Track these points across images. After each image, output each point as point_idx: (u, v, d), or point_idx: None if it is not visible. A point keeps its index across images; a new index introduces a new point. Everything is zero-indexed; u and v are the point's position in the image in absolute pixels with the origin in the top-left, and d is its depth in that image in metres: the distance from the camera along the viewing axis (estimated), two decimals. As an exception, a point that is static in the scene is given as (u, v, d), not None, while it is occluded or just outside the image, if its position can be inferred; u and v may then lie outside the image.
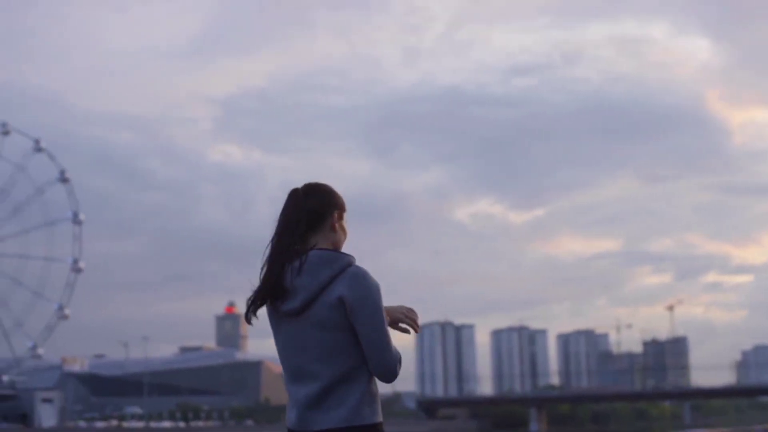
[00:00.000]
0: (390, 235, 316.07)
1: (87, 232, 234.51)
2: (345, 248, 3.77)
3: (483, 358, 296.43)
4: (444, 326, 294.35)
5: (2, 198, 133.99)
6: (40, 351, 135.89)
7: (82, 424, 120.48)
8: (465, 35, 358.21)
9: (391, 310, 3.76)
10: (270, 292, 3.60)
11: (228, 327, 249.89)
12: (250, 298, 3.67)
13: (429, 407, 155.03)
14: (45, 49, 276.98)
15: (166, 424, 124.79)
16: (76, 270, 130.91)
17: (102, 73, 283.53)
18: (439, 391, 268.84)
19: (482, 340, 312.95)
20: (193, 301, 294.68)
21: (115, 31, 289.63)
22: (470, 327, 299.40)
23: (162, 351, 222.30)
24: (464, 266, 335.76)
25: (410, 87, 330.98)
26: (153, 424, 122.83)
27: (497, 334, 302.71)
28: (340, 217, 3.74)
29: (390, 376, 3.51)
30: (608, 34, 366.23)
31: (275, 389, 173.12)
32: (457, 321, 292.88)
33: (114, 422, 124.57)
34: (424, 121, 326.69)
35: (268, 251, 3.67)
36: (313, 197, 3.71)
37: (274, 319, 3.64)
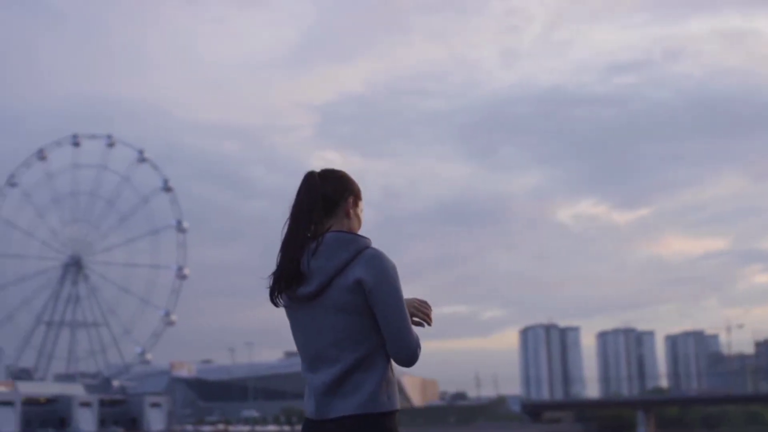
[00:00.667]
0: (491, 237, 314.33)
1: (193, 240, 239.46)
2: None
3: (589, 361, 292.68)
4: (548, 329, 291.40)
5: (109, 208, 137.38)
6: (149, 356, 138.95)
7: (189, 428, 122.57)
8: (563, 34, 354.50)
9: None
10: (286, 277, 3.50)
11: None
12: (269, 285, 3.57)
13: (534, 410, 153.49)
14: (148, 63, 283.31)
15: (271, 428, 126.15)
16: (181, 277, 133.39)
17: (204, 84, 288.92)
18: (545, 394, 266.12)
19: (588, 343, 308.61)
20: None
21: (217, 43, 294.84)
22: (575, 329, 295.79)
23: (267, 356, 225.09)
24: (568, 268, 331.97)
25: (509, 88, 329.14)
26: (258, 428, 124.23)
27: (603, 336, 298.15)
28: (356, 204, 3.66)
29: (410, 359, 3.42)
30: (711, 28, 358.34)
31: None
32: (562, 323, 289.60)
33: (221, 426, 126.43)
34: (523, 122, 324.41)
35: (283, 235, 3.57)
36: (329, 182, 3.62)
37: (290, 304, 3.54)
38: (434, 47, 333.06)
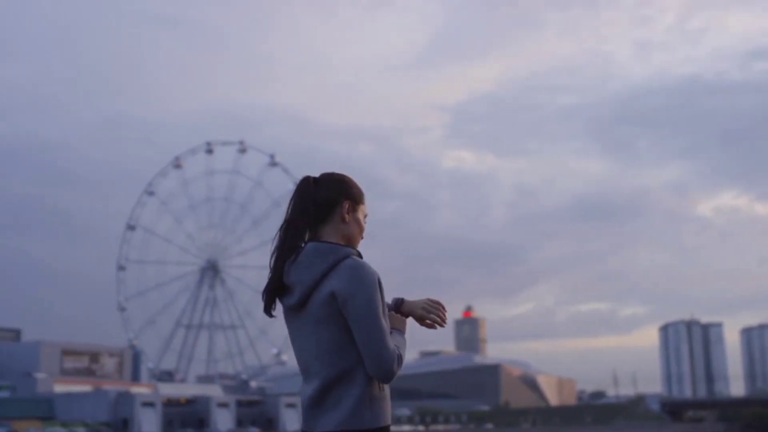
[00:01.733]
0: (629, 233, 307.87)
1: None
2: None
3: (733, 358, 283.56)
4: (690, 325, 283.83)
5: (242, 213, 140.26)
6: (284, 357, 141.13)
7: None
8: (698, 23, 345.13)
9: (413, 306, 3.59)
10: (270, 288, 3.43)
11: (466, 331, 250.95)
12: (263, 293, 3.49)
13: (674, 409, 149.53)
14: (282, 71, 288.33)
15: (406, 428, 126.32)
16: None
17: (337, 89, 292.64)
18: (687, 393, 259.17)
19: (732, 339, 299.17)
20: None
21: (348, 48, 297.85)
22: (718, 325, 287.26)
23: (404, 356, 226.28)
24: (709, 262, 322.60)
25: (643, 81, 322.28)
26: (393, 428, 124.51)
27: (748, 332, 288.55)
28: (353, 209, 3.51)
29: (384, 374, 3.26)
30: None
31: (515, 392, 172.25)
32: (704, 319, 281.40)
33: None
34: (659, 114, 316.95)
35: (275, 243, 3.46)
36: (323, 187, 3.49)
37: (285, 315, 3.47)
38: (565, 42, 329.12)
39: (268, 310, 3.47)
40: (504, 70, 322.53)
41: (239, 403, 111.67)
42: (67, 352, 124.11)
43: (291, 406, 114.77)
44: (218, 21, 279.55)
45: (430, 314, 3.55)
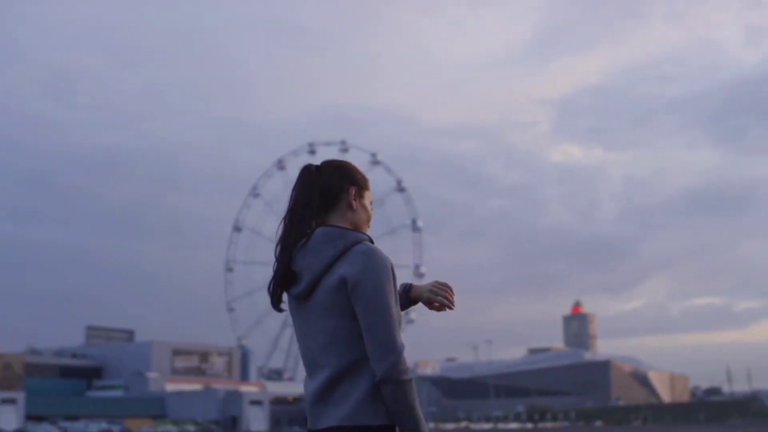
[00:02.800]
0: (743, 225, 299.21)
1: (435, 240, 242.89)
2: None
3: None
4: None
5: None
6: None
7: (430, 426, 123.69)
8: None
9: (420, 290, 3.41)
10: (278, 278, 3.20)
11: (575, 327, 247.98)
12: (268, 286, 3.25)
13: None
14: (387, 71, 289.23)
15: (513, 425, 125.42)
16: (419, 275, 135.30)
17: (442, 86, 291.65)
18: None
19: None
20: (540, 303, 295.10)
21: (452, 45, 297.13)
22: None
23: (511, 353, 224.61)
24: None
25: (755, 68, 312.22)
26: (501, 426, 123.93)
27: None
28: (360, 195, 3.32)
29: (387, 367, 2.95)
30: None
31: (625, 389, 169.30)
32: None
33: (463, 424, 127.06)
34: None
35: (279, 233, 3.24)
36: (327, 174, 3.32)
37: (291, 306, 3.24)
38: (673, 30, 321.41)
39: (276, 303, 3.25)
40: (610, 62, 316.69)
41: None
42: (177, 352, 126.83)
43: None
44: (322, 24, 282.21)
45: (437, 296, 3.36)
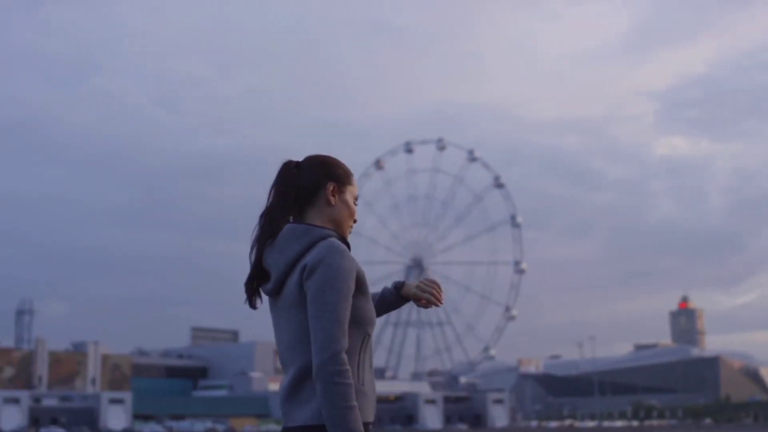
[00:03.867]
0: None
1: (539, 236, 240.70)
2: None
3: None
4: None
5: (445, 209, 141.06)
6: (493, 352, 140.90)
7: (533, 424, 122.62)
8: None
9: (409, 287, 3.36)
10: (251, 276, 3.20)
11: (683, 323, 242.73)
12: (245, 286, 3.23)
13: None
14: (486, 67, 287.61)
15: (619, 423, 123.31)
16: (519, 272, 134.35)
17: (543, 81, 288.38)
18: None
19: None
20: (647, 298, 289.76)
21: (552, 39, 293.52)
22: None
23: (617, 350, 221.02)
24: None
25: None
26: (606, 424, 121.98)
27: None
28: (340, 191, 3.24)
29: (318, 365, 2.88)
30: None
31: (735, 386, 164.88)
32: None
33: (567, 422, 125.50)
34: None
35: (254, 232, 3.21)
36: (305, 170, 3.25)
37: (269, 304, 3.22)
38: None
39: (251, 301, 3.21)
40: (716, 51, 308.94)
41: (447, 400, 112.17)
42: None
43: (499, 402, 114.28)
44: (421, 23, 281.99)
45: (424, 293, 3.28)
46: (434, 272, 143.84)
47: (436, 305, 3.31)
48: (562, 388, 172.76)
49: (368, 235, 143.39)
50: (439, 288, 3.31)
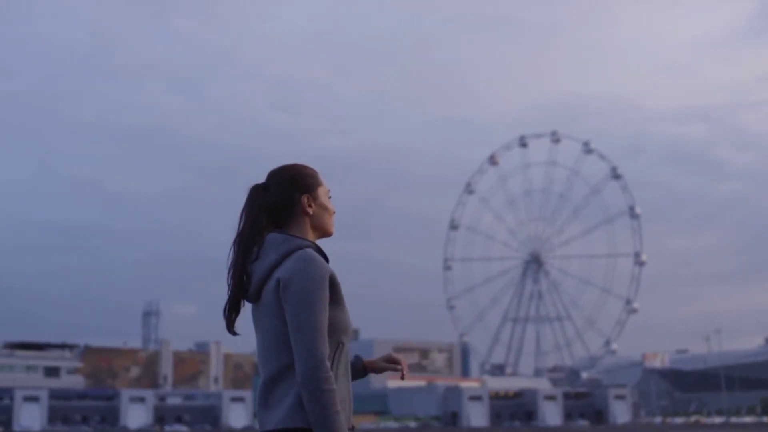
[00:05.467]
0: None
1: (664, 227, 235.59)
2: None
3: None
4: None
5: (562, 203, 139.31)
6: (614, 347, 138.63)
7: (657, 420, 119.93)
8: None
9: (373, 361, 3.46)
10: (231, 302, 3.28)
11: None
12: (223, 313, 3.31)
13: None
14: (606, 58, 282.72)
15: (747, 419, 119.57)
16: (639, 263, 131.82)
17: (665, 69, 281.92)
18: None
19: None
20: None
21: (673, 25, 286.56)
22: None
23: (746, 343, 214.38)
24: None
25: None
26: (734, 420, 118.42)
27: None
28: (313, 198, 3.34)
29: (304, 373, 2.99)
30: None
31: None
32: None
33: (694, 418, 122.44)
34: None
35: (230, 257, 3.28)
36: (273, 189, 3.33)
37: (251, 311, 3.34)
38: None
39: (229, 327, 3.29)
40: None
41: (567, 396, 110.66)
42: (398, 349, 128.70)
43: (620, 397, 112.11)
44: (537, 17, 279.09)
45: (389, 365, 3.40)
46: (552, 267, 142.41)
47: (402, 378, 3.39)
48: (688, 384, 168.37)
49: (485, 231, 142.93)
50: (404, 365, 3.37)
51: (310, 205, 3.30)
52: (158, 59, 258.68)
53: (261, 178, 3.40)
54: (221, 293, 3.29)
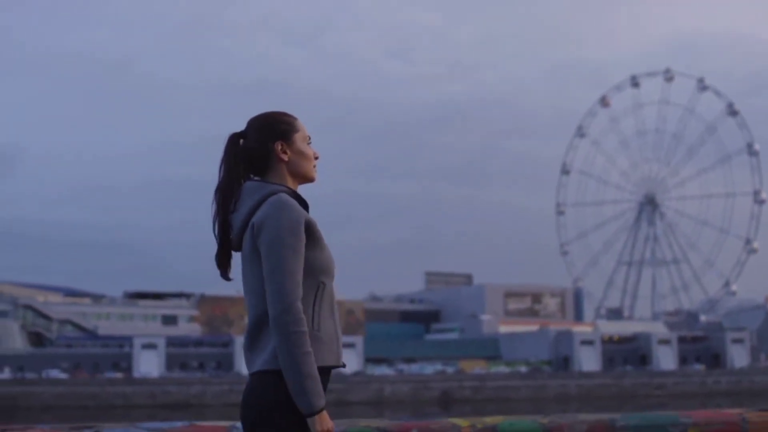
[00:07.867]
0: None
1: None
2: None
3: None
4: None
5: (676, 142, 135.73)
6: (734, 288, 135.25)
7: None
8: None
9: None
10: (220, 249, 3.32)
11: None
12: (215, 259, 3.37)
13: None
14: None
15: None
16: (759, 202, 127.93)
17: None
18: None
19: None
20: None
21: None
22: None
23: None
24: None
25: None
26: None
27: None
28: (288, 145, 3.32)
29: (275, 315, 3.03)
30: None
31: None
32: None
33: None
34: None
35: (212, 209, 3.31)
36: (249, 139, 3.33)
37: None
38: None
39: (222, 273, 3.34)
40: None
41: (682, 340, 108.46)
42: (510, 294, 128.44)
43: (738, 341, 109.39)
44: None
45: None
46: (668, 209, 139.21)
47: None
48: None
49: (597, 174, 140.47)
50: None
51: (284, 152, 3.29)
52: (272, 12, 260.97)
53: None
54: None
